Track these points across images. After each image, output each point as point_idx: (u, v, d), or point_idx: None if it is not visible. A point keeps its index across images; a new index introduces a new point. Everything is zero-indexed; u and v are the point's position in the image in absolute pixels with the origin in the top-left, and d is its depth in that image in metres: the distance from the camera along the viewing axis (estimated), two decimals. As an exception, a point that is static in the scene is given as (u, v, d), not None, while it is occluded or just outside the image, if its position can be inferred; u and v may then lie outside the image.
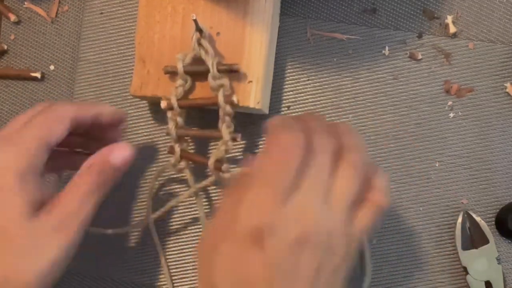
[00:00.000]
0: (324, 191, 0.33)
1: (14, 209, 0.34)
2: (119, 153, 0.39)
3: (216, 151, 0.44)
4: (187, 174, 0.45)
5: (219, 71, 0.43)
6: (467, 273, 0.46)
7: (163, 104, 0.44)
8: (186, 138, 0.46)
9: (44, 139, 0.37)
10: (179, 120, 0.44)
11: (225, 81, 0.43)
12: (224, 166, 0.44)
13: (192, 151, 0.48)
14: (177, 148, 0.45)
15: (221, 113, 0.43)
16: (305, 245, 0.31)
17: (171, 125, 0.44)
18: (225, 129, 0.43)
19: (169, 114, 0.44)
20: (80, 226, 0.36)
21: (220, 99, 0.43)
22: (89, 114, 0.40)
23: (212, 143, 0.49)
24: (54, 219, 0.35)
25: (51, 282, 0.36)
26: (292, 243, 0.31)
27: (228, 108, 0.43)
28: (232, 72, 0.43)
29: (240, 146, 0.49)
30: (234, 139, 0.44)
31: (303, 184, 0.32)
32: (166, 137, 0.50)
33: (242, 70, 0.43)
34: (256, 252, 0.31)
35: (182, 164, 0.45)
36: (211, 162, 0.44)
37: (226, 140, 0.43)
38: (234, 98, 0.43)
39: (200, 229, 0.49)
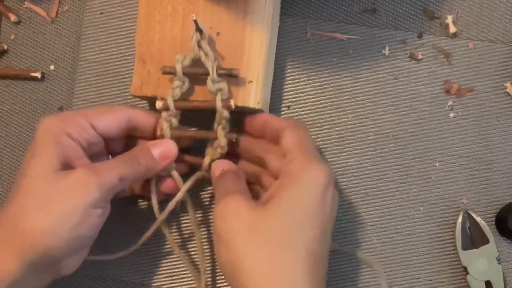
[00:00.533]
0: None
1: (44, 162, 0.38)
2: (161, 148, 0.42)
3: (211, 152, 0.44)
4: (174, 175, 0.44)
5: (218, 75, 0.42)
6: (467, 273, 0.46)
7: (159, 105, 0.43)
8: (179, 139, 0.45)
9: (89, 118, 0.41)
10: (174, 121, 0.44)
11: (224, 85, 0.43)
12: None
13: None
14: None
15: (218, 116, 0.43)
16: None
17: (165, 126, 0.44)
18: (220, 131, 0.43)
19: (164, 114, 0.44)
20: (100, 191, 0.38)
21: (218, 103, 0.42)
22: (146, 121, 0.44)
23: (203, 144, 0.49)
24: (76, 176, 0.38)
25: (71, 242, 0.38)
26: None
27: (225, 113, 0.43)
28: (232, 77, 0.43)
29: (240, 146, 0.49)
30: (230, 140, 0.44)
31: None
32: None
33: (241, 74, 0.43)
34: None
35: (172, 165, 0.44)
36: (205, 163, 0.44)
37: (222, 144, 0.43)
38: (232, 103, 0.43)
39: (201, 229, 0.49)
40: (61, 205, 0.37)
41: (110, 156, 0.45)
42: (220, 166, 0.43)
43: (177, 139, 0.44)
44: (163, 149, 0.42)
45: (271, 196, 0.38)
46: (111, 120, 0.42)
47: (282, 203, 0.37)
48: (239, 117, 0.45)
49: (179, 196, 0.44)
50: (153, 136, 0.44)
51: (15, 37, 0.52)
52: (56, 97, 0.51)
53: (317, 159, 0.39)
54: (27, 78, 0.51)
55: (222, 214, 0.38)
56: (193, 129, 0.47)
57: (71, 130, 0.40)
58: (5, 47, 0.52)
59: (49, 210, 0.37)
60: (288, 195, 0.37)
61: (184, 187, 0.44)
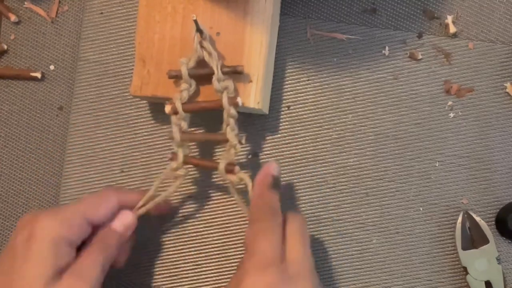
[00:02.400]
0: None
1: (39, 270, 0.38)
2: (121, 221, 0.43)
3: (225, 155, 0.43)
4: (177, 182, 0.44)
5: (223, 73, 0.42)
6: (467, 273, 0.46)
7: (168, 109, 0.43)
8: (189, 145, 0.45)
9: (87, 215, 0.41)
10: (183, 124, 0.44)
11: (230, 83, 0.43)
12: (236, 168, 0.43)
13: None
14: (180, 153, 0.44)
15: (225, 115, 0.43)
16: None
17: (175, 130, 0.43)
18: (230, 132, 0.43)
19: (173, 119, 0.43)
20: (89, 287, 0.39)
21: (225, 101, 0.42)
22: (134, 202, 0.45)
23: (211, 148, 0.49)
24: (66, 283, 0.38)
25: None
26: None
27: (232, 110, 0.42)
28: (237, 74, 0.43)
29: (241, 145, 0.49)
30: (240, 142, 0.43)
31: None
32: (166, 137, 0.50)
33: (246, 63, 0.43)
34: None
35: (182, 171, 0.44)
36: (221, 166, 0.43)
37: (234, 144, 0.43)
38: (239, 100, 0.42)
39: (201, 229, 0.49)
40: None
41: None
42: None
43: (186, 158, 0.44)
44: (124, 221, 0.43)
45: None
46: (105, 210, 0.42)
47: None
48: (244, 121, 0.45)
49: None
50: None
51: (15, 37, 0.52)
52: (56, 97, 0.51)
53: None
54: (27, 78, 0.51)
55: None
56: (201, 131, 0.47)
57: (70, 234, 0.40)
58: (5, 47, 0.52)
59: None
60: None
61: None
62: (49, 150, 0.51)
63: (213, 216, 0.49)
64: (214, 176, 0.49)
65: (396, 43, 0.48)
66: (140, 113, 0.50)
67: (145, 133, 0.50)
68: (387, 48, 0.49)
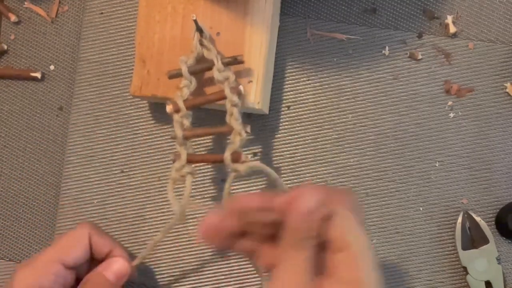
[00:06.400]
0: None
1: None
2: (114, 269, 0.42)
3: (230, 144, 0.42)
4: (188, 181, 0.42)
5: (223, 63, 0.42)
6: (467, 273, 0.46)
7: (169, 108, 0.42)
8: (190, 142, 0.44)
9: (61, 260, 0.40)
10: (186, 122, 0.43)
11: (230, 73, 0.42)
12: (243, 156, 0.41)
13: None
14: (183, 151, 0.43)
15: (228, 105, 0.42)
16: None
17: (177, 128, 0.42)
18: (234, 120, 0.42)
19: (175, 116, 0.43)
20: None
21: (227, 90, 0.42)
22: (104, 250, 0.43)
23: (217, 148, 0.49)
24: None
25: None
26: None
27: (235, 98, 0.42)
28: (237, 63, 0.42)
29: (240, 146, 0.49)
30: (244, 130, 0.42)
31: None
32: (167, 137, 0.50)
33: (241, 74, 0.43)
34: None
35: (188, 168, 0.43)
36: (227, 154, 0.41)
37: (239, 131, 0.42)
38: (241, 88, 0.42)
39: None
40: None
41: None
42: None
43: (190, 156, 0.43)
44: (116, 269, 0.42)
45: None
46: (78, 253, 0.41)
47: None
48: (244, 121, 0.44)
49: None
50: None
51: (15, 37, 0.52)
52: (56, 97, 0.51)
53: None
54: (27, 78, 0.51)
55: None
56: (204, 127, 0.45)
57: (47, 281, 0.39)
58: (5, 47, 0.52)
59: None
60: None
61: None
62: (49, 150, 0.51)
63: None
64: (214, 177, 0.49)
65: (396, 43, 0.48)
66: (140, 113, 0.50)
67: (145, 133, 0.50)
68: (387, 48, 0.49)
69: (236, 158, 0.41)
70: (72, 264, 0.41)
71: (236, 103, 0.42)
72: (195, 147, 0.49)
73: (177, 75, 0.43)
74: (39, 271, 0.39)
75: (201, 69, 0.43)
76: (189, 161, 0.43)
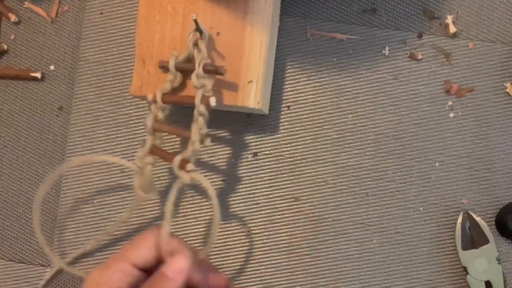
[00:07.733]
0: None
1: None
2: (173, 266, 0.41)
3: (184, 150, 0.42)
4: (147, 170, 0.43)
5: (205, 71, 0.42)
6: (467, 273, 0.46)
7: (150, 97, 0.43)
8: (162, 135, 0.45)
9: (129, 258, 0.41)
10: (160, 114, 0.43)
11: (208, 81, 0.42)
12: (188, 166, 0.41)
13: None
14: (149, 141, 0.43)
15: (195, 112, 0.42)
16: None
17: (149, 117, 0.43)
18: (195, 129, 0.42)
19: (152, 107, 0.43)
20: None
21: (197, 98, 0.42)
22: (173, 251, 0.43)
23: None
24: None
25: None
26: None
27: (202, 108, 0.41)
28: (217, 74, 0.42)
29: (241, 146, 0.49)
30: (201, 141, 0.42)
31: None
32: (167, 137, 0.50)
33: (241, 74, 0.43)
34: None
35: (148, 159, 0.43)
36: (177, 159, 0.41)
37: (194, 140, 0.42)
38: (212, 101, 0.42)
39: (201, 230, 0.49)
40: None
41: None
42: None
43: (152, 148, 0.43)
44: (176, 267, 0.41)
45: None
46: (146, 250, 0.41)
47: None
48: (244, 121, 0.45)
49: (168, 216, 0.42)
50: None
51: (15, 37, 0.52)
52: (56, 97, 0.51)
53: None
54: (27, 78, 0.51)
55: None
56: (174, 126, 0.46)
57: (112, 277, 0.40)
58: (5, 47, 0.52)
59: None
60: None
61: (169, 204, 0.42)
62: (49, 150, 0.51)
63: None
64: (216, 176, 0.49)
65: (396, 43, 0.48)
66: (140, 113, 0.50)
67: (145, 133, 0.50)
68: (387, 48, 0.49)
69: (182, 166, 0.41)
70: (140, 262, 0.41)
71: (202, 113, 0.42)
72: (168, 142, 0.49)
73: (166, 67, 0.43)
74: (107, 269, 0.40)
75: (187, 68, 0.43)
76: (151, 151, 0.43)
